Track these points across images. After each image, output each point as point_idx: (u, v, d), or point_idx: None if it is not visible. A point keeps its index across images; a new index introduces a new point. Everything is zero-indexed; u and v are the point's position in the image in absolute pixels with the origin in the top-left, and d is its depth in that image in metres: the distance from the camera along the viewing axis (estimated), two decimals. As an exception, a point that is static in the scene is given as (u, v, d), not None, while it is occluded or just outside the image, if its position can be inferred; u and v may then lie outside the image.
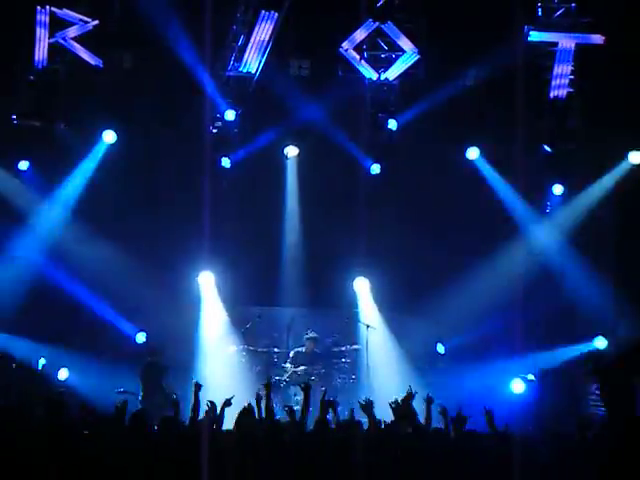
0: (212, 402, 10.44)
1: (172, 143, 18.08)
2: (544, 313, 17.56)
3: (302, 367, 17.24)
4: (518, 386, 17.17)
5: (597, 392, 15.38)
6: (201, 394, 10.90)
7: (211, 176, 17.90)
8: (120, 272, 17.44)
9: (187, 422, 10.07)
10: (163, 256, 17.84)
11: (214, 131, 17.79)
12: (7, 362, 16.08)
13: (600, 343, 17.63)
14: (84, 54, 17.51)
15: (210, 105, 17.67)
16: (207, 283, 18.12)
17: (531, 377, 17.21)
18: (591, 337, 17.70)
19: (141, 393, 16.01)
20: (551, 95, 17.44)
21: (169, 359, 17.20)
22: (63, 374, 16.75)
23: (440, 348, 18.09)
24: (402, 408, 8.99)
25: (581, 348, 17.54)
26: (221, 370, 17.22)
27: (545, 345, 17.63)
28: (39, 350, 16.67)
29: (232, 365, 17.44)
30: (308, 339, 17.40)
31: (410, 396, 9.82)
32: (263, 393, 10.74)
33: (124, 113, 17.84)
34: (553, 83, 17.34)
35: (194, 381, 10.98)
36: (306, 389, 10.67)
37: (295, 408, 15.56)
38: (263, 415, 10.54)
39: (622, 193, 18.03)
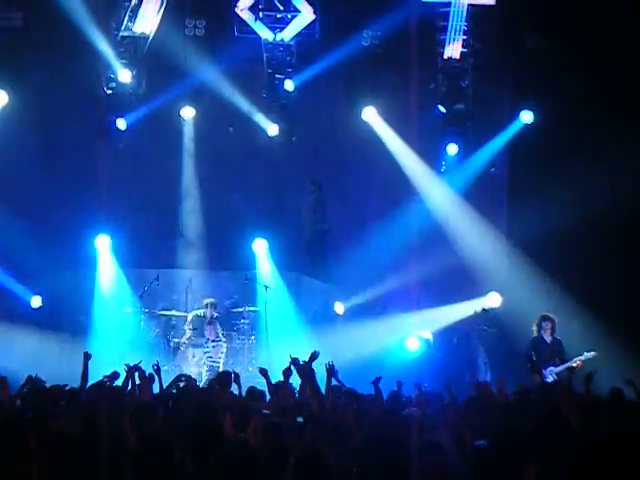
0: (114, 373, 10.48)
1: (66, 104, 17.74)
2: (440, 271, 17.83)
3: (200, 330, 17.22)
4: (414, 344, 17.44)
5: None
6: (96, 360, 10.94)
7: (107, 138, 17.69)
8: (14, 235, 17.14)
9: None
10: (59, 219, 17.63)
11: (109, 92, 17.50)
12: None
13: (493, 299, 18.00)
14: (-28, 13, 17.04)
15: (104, 66, 17.40)
16: (103, 246, 17.95)
17: (427, 335, 17.51)
18: (485, 293, 18.07)
19: None
20: (445, 55, 17.60)
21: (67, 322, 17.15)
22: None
23: (338, 308, 18.25)
24: (304, 367, 9.04)
25: (476, 304, 17.89)
26: (119, 333, 17.13)
27: (441, 302, 17.96)
28: None
29: (130, 328, 17.36)
30: (206, 305, 17.36)
31: (313, 356, 9.89)
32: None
33: (16, 73, 17.42)
34: (447, 43, 17.47)
35: (84, 351, 10.97)
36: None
37: (190, 370, 15.82)
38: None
39: (514, 152, 18.37)
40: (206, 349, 16.60)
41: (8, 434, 6.72)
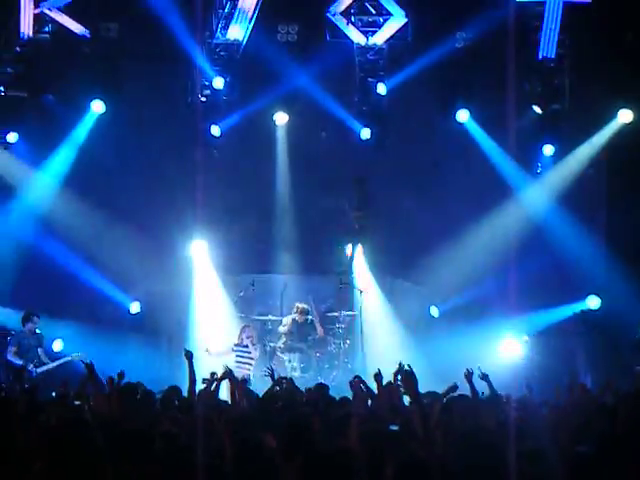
0: (213, 374, 10.46)
1: (161, 112, 17.99)
2: (537, 274, 17.57)
3: (296, 334, 17.28)
4: (512, 347, 17.23)
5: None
6: (195, 362, 10.92)
7: (201, 144, 17.84)
8: (112, 242, 17.48)
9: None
10: (155, 225, 17.83)
11: (203, 99, 17.68)
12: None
13: (593, 302, 17.70)
14: (70, 24, 17.35)
15: (198, 73, 17.58)
16: (200, 251, 18.13)
17: (525, 338, 17.29)
18: (584, 296, 17.76)
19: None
20: (540, 55, 17.36)
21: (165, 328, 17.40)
22: (58, 346, 16.76)
23: (434, 311, 18.13)
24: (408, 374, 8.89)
25: (574, 308, 17.62)
26: (215, 338, 17.26)
27: (538, 305, 17.70)
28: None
29: (226, 333, 17.48)
30: (297, 311, 17.39)
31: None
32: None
33: (112, 82, 17.72)
34: (542, 43, 17.23)
35: (184, 350, 10.82)
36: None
37: (290, 375, 15.82)
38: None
39: (612, 152, 18.02)
40: (245, 353, 16.60)
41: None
